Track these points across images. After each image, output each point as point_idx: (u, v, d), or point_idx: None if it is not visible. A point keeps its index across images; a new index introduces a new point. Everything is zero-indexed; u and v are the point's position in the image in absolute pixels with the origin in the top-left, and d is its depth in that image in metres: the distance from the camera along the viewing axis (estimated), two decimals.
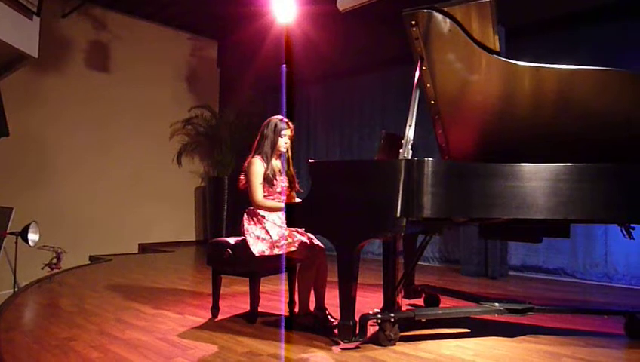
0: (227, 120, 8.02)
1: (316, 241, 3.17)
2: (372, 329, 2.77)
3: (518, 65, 2.76)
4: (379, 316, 2.73)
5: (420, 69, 2.91)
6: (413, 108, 2.80)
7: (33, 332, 3.05)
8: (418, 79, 2.89)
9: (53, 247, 4.79)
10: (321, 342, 2.76)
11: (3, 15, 4.96)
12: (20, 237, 4.80)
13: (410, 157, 2.64)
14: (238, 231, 3.30)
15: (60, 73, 7.02)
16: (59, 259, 4.74)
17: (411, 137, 2.72)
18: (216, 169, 8.10)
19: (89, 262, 6.58)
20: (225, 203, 7.75)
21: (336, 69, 6.86)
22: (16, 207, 4.84)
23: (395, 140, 2.95)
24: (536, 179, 2.58)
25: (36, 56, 5.55)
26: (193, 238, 8.44)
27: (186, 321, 3.26)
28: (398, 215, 2.52)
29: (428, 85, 2.97)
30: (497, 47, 2.77)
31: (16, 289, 4.67)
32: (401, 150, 2.68)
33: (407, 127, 2.73)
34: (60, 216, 6.53)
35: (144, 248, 7.66)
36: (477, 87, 2.93)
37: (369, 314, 2.73)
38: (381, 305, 3.09)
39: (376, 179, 2.63)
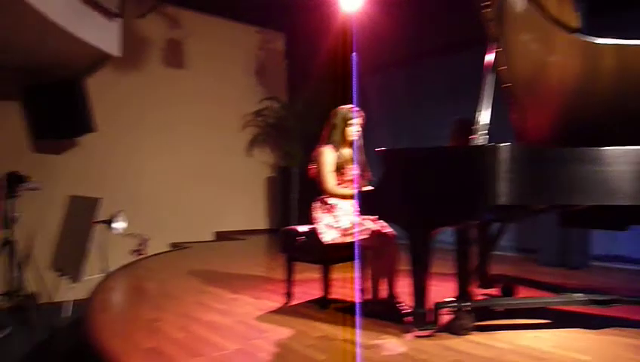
0: (295, 110, 8.14)
1: (388, 229, 3.17)
2: (446, 318, 2.74)
3: (601, 43, 2.59)
4: (453, 304, 2.70)
5: (495, 51, 2.81)
6: (487, 92, 2.71)
7: (123, 313, 3.31)
8: (492, 62, 2.80)
9: (139, 234, 5.12)
10: (393, 329, 2.77)
11: (89, 18, 5.31)
12: (108, 226, 5.17)
13: (484, 143, 2.57)
14: (308, 219, 3.37)
15: (138, 71, 7.42)
16: (144, 245, 5.07)
17: (485, 122, 2.65)
18: (286, 159, 8.26)
19: (170, 249, 6.98)
20: (295, 192, 7.90)
21: (405, 55, 6.74)
22: (104, 197, 5.20)
23: (468, 126, 2.87)
24: (622, 163, 2.43)
25: (118, 55, 5.91)
26: (265, 227, 8.68)
27: (261, 305, 3.38)
28: (473, 202, 2.47)
29: (503, 68, 2.86)
30: (577, 25, 2.61)
31: (106, 274, 5.05)
32: (474, 136, 2.61)
33: (480, 112, 2.65)
34: (142, 206, 6.94)
35: (219, 236, 7.99)
36: (555, 68, 2.78)
37: (443, 302, 2.70)
38: (454, 294, 3.04)
39: (448, 165, 2.58)
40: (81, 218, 5.34)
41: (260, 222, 8.64)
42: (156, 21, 7.56)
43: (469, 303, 2.69)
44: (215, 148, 8.05)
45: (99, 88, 6.73)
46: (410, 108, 6.94)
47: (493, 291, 3.52)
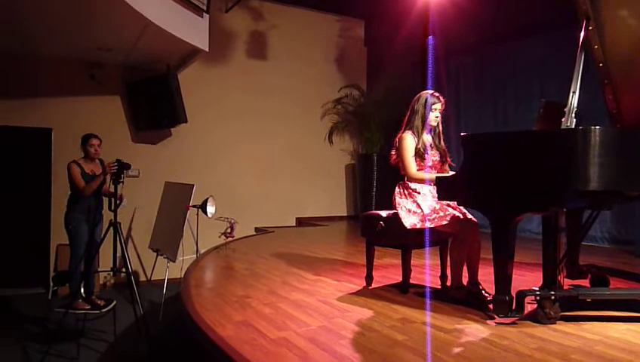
0: (375, 98, 8.15)
1: (469, 216, 3.14)
2: (530, 307, 2.68)
3: None
4: (538, 293, 2.64)
5: (586, 30, 2.67)
6: (578, 73, 2.60)
7: (216, 289, 3.56)
8: (583, 41, 2.66)
9: (227, 218, 5.44)
10: (474, 316, 2.76)
11: (179, 15, 5.67)
12: (200, 210, 5.53)
13: (573, 126, 2.47)
14: (388, 206, 3.42)
15: (225, 63, 7.80)
16: (232, 228, 5.38)
17: (575, 105, 2.54)
18: (365, 146, 8.31)
19: (255, 233, 7.33)
20: (374, 179, 7.94)
21: (488, 36, 6.50)
22: (196, 183, 5.57)
23: (557, 109, 2.76)
24: None
25: (207, 50, 6.26)
26: (344, 213, 8.82)
27: (342, 287, 3.50)
28: (560, 187, 2.39)
29: (595, 47, 2.71)
30: None
31: (198, 254, 5.43)
32: (563, 119, 2.52)
33: (571, 94, 2.55)
34: (230, 192, 7.33)
35: (300, 222, 8.24)
36: None
37: (526, 290, 2.65)
38: (540, 283, 2.96)
39: (535, 150, 2.51)
40: (176, 202, 5.77)
41: (340, 208, 8.78)
42: (240, 15, 7.89)
43: (553, 292, 2.62)
44: (296, 137, 8.28)
45: (189, 82, 7.17)
46: (495, 92, 6.69)
47: (582, 282, 3.38)
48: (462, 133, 2.82)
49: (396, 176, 3.39)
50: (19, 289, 6.28)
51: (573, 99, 2.55)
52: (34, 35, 5.55)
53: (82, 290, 4.65)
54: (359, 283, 3.59)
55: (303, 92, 8.36)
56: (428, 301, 3.10)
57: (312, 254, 5.01)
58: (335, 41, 8.76)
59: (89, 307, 4.59)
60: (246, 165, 7.87)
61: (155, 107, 6.87)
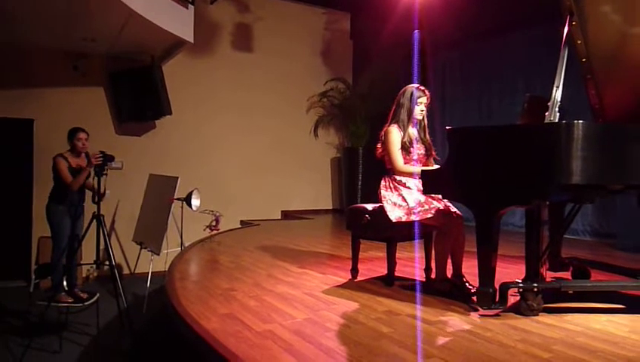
0: (360, 91, 8.15)
1: (453, 209, 3.17)
2: (513, 299, 2.72)
3: None
4: (521, 285, 2.68)
5: (569, 25, 2.70)
6: (561, 68, 2.62)
7: (201, 282, 3.55)
8: (567, 36, 2.69)
9: (212, 211, 5.41)
10: (458, 308, 2.79)
11: (164, 6, 5.59)
12: (184, 203, 5.49)
13: (557, 121, 2.50)
14: (373, 199, 3.43)
15: (210, 56, 7.72)
16: (217, 221, 5.36)
17: (559, 99, 2.57)
18: (351, 140, 8.32)
19: (240, 226, 7.31)
20: (359, 173, 7.96)
21: (473, 31, 6.53)
22: (180, 176, 5.52)
23: (540, 103, 2.79)
24: None
25: (192, 41, 6.18)
26: (330, 207, 8.84)
27: (328, 280, 3.51)
28: (543, 181, 2.42)
29: (579, 42, 2.75)
30: None
31: (182, 247, 5.39)
32: (547, 113, 2.55)
33: (554, 89, 2.58)
34: (215, 185, 7.29)
35: (286, 215, 8.23)
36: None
37: (509, 282, 2.69)
38: (522, 276, 3.00)
39: (519, 144, 2.54)
40: (160, 195, 5.72)
41: (326, 202, 8.80)
42: (226, 6, 7.81)
43: (536, 284, 2.65)
44: (282, 130, 8.25)
45: (173, 73, 7.09)
46: (479, 86, 6.74)
47: (564, 274, 3.43)
48: (447, 127, 2.83)
49: (382, 170, 3.40)
50: (0, 282, 6.17)
51: (557, 94, 2.58)
52: (16, 24, 5.43)
53: (65, 283, 4.60)
54: (344, 276, 3.60)
55: (288, 85, 8.33)
56: (413, 293, 3.13)
57: (297, 247, 5.02)
58: (321, 34, 8.73)
59: (72, 300, 4.54)
60: (232, 158, 7.82)
61: (139, 98, 6.78)
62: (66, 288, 4.65)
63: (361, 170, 7.93)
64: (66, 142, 4.70)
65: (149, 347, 4.19)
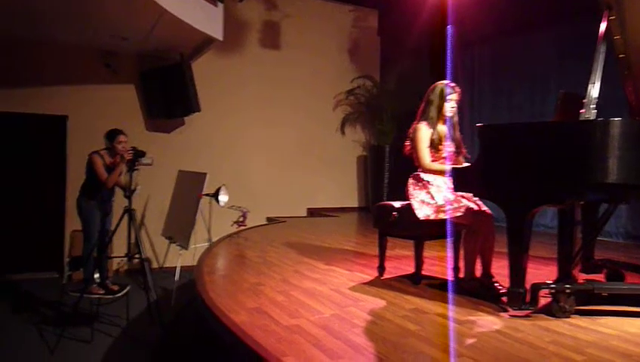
0: (388, 89, 8.11)
1: (484, 207, 3.12)
2: (545, 301, 2.66)
3: None
4: (552, 286, 2.62)
5: (607, 20, 2.62)
6: (598, 64, 2.55)
7: (229, 276, 3.59)
8: (605, 31, 2.62)
9: (239, 207, 5.46)
10: (487, 308, 2.75)
11: (195, 5, 5.66)
12: (212, 198, 5.56)
13: (593, 118, 2.44)
14: (399, 198, 3.41)
15: (238, 53, 7.79)
16: (244, 217, 5.41)
17: (595, 96, 2.50)
18: (378, 138, 8.28)
19: (266, 222, 7.36)
20: (386, 171, 7.92)
21: (503, 26, 6.41)
22: (209, 172, 5.59)
23: (575, 100, 2.72)
24: None
25: (221, 39, 6.25)
26: (355, 205, 8.82)
27: (354, 277, 3.50)
28: (578, 180, 2.36)
29: (617, 37, 2.67)
30: None
31: (210, 242, 5.46)
32: (582, 110, 2.48)
33: (590, 85, 2.51)
34: (242, 181, 7.36)
35: (312, 212, 8.25)
36: None
37: (541, 283, 2.63)
38: (554, 278, 2.94)
39: (553, 141, 2.48)
40: (189, 191, 5.81)
41: (352, 200, 8.78)
42: (254, 4, 7.86)
43: (568, 285, 2.59)
44: (309, 128, 8.27)
45: (202, 71, 7.18)
46: (511, 83, 6.62)
47: (597, 277, 3.34)
48: (478, 124, 2.79)
49: (408, 168, 3.37)
50: (34, 274, 6.38)
51: (593, 91, 2.51)
52: (50, 22, 5.59)
53: (96, 275, 4.72)
54: (371, 274, 3.59)
55: (315, 82, 8.34)
56: (440, 292, 3.09)
57: (323, 244, 5.02)
58: (348, 31, 8.71)
59: (103, 292, 4.65)
60: (258, 155, 7.89)
61: (169, 96, 6.89)
62: (98, 280, 4.77)
63: (388, 168, 7.88)
64: (101, 139, 4.80)
65: (177, 339, 4.26)
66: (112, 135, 4.70)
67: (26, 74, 6.39)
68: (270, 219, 7.60)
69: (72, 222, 6.21)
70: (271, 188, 7.90)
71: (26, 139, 6.61)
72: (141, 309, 4.80)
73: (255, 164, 7.83)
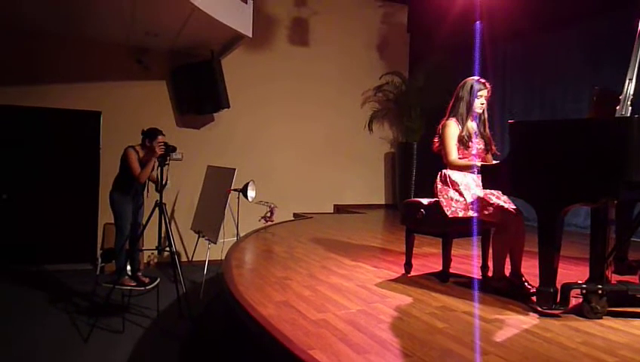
0: (417, 85, 8.04)
1: (513, 206, 3.07)
2: (576, 301, 2.61)
3: None
4: (584, 286, 2.57)
5: None
6: (636, 59, 2.48)
7: (257, 270, 3.64)
8: None
9: (267, 203, 5.52)
10: (516, 307, 2.71)
11: (225, 1, 5.73)
12: (241, 194, 5.63)
13: (629, 115, 2.37)
14: (427, 195, 3.39)
15: (267, 50, 7.85)
16: (272, 213, 5.46)
17: (631, 92, 2.43)
18: (406, 135, 8.23)
19: (293, 218, 7.41)
20: (414, 168, 7.87)
21: (537, 21, 6.26)
22: (237, 168, 5.66)
23: (611, 97, 2.65)
24: None
25: (250, 36, 6.31)
26: (382, 202, 8.79)
27: (381, 274, 3.50)
28: (613, 178, 2.30)
29: None
30: None
31: (238, 237, 5.53)
32: (618, 107, 2.42)
33: (627, 81, 2.44)
34: (270, 177, 7.44)
35: (338, 209, 8.27)
36: None
37: (573, 283, 2.58)
38: (585, 278, 2.88)
39: (588, 138, 2.42)
40: (218, 186, 5.89)
41: (378, 197, 8.76)
42: (283, 1, 7.90)
43: (601, 286, 2.54)
44: (336, 124, 8.28)
45: (232, 67, 7.26)
46: (542, 79, 6.47)
47: (631, 278, 3.25)
48: (509, 121, 2.75)
49: (436, 165, 3.35)
50: (68, 265, 6.59)
51: (630, 87, 2.44)
52: (84, 18, 5.75)
53: (128, 268, 4.84)
54: (398, 271, 3.59)
55: (343, 79, 8.34)
56: (468, 290, 3.07)
57: (350, 240, 5.03)
58: (377, 28, 8.67)
59: (134, 284, 4.78)
60: (286, 151, 7.94)
61: (199, 92, 7.00)
62: (129, 272, 4.90)
63: (416, 165, 7.83)
64: (132, 134, 4.93)
65: (206, 332, 4.34)
66: (152, 134, 4.77)
67: (62, 71, 6.59)
68: (297, 215, 7.65)
69: (105, 216, 6.39)
70: (298, 185, 7.95)
71: (62, 134, 6.82)
72: (170, 301, 4.91)
73: (283, 160, 7.88)
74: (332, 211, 8.29)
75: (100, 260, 6.19)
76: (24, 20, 5.88)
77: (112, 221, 5.04)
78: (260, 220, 5.64)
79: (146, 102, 7.00)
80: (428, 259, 4.00)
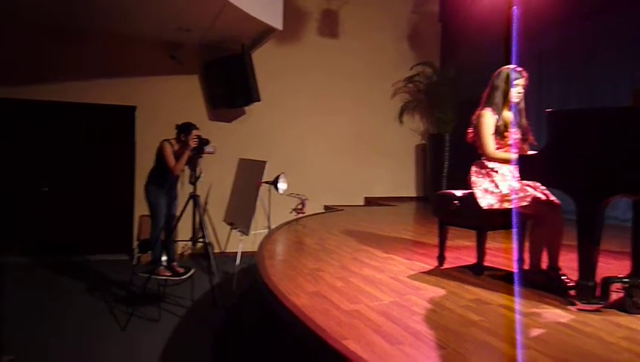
0: (449, 75, 7.90)
1: (552, 197, 3.00)
2: (616, 296, 2.54)
3: None
4: (626, 280, 2.49)
5: None
6: None
7: (289, 261, 3.67)
8: None
9: (299, 195, 5.54)
10: (554, 301, 2.65)
11: None
12: (272, 186, 5.67)
13: None
14: (458, 187, 3.33)
15: (296, 42, 7.85)
16: (303, 205, 5.48)
17: None
18: (437, 126, 8.11)
19: (323, 211, 7.42)
20: (445, 160, 7.76)
21: (574, 9, 6.06)
22: (268, 160, 5.69)
23: None
24: None
25: (281, 28, 6.32)
26: (414, 194, 8.71)
27: (413, 266, 3.48)
28: None
29: None
30: None
31: (269, 229, 5.58)
32: None
33: None
34: (300, 169, 7.46)
35: (369, 201, 8.24)
36: None
37: (614, 277, 2.51)
38: (626, 272, 2.79)
39: (630, 127, 2.34)
40: (249, 178, 5.95)
41: (409, 189, 8.68)
42: None
43: None
44: (366, 116, 8.24)
45: (261, 61, 7.29)
46: (580, 68, 6.27)
47: None
48: (547, 110, 2.67)
49: (469, 157, 3.29)
50: (105, 255, 6.79)
51: None
52: (122, 16, 5.87)
53: (163, 258, 4.95)
54: (430, 263, 3.55)
55: (373, 70, 8.27)
56: (503, 284, 3.02)
57: (381, 233, 5.01)
58: (408, 18, 8.55)
59: (170, 274, 4.88)
60: (316, 143, 7.94)
61: (230, 86, 7.07)
62: (165, 263, 5.01)
63: (447, 157, 7.72)
64: (166, 128, 5.01)
65: (239, 322, 4.41)
66: (187, 128, 4.84)
67: (100, 67, 6.75)
68: (327, 208, 7.66)
69: (140, 207, 6.54)
70: (328, 177, 7.95)
71: (99, 128, 7.01)
72: (204, 291, 5.00)
73: (313, 153, 7.90)
74: (362, 204, 8.26)
75: (136, 251, 6.34)
76: (68, 19, 6.06)
77: (147, 213, 5.16)
78: (291, 212, 5.67)
79: (179, 96, 7.11)
80: (461, 252, 3.95)
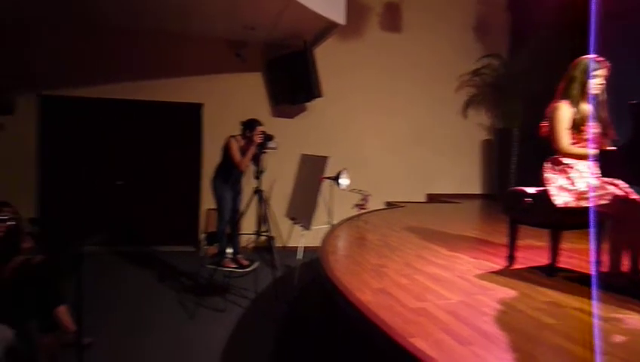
0: (517, 67, 7.56)
1: (633, 195, 2.79)
2: None
3: None
4: None
5: None
6: None
7: (352, 257, 3.66)
8: None
9: (361, 191, 5.52)
10: (637, 306, 2.47)
11: None
12: (334, 182, 5.67)
13: None
14: (527, 184, 3.18)
15: (358, 37, 7.80)
16: (366, 201, 5.44)
17: None
18: (505, 120, 7.80)
19: (385, 207, 7.35)
20: (513, 156, 7.45)
21: None
22: (330, 156, 5.70)
23: None
24: None
25: (344, 23, 6.30)
26: (477, 191, 8.43)
27: (481, 265, 3.37)
28: None
29: None
30: None
31: (331, 224, 5.59)
32: None
33: None
34: (362, 165, 7.41)
35: (431, 198, 8.06)
36: None
37: None
38: None
39: None
40: (311, 174, 5.98)
41: (474, 186, 8.42)
42: None
43: None
44: (430, 110, 8.06)
45: (323, 57, 7.31)
46: None
47: None
48: (630, 101, 2.49)
49: (539, 153, 3.13)
50: (174, 247, 7.09)
51: None
52: (190, 16, 6.09)
53: (229, 250, 5.10)
54: (499, 263, 3.42)
55: (437, 64, 8.07)
56: (579, 286, 2.85)
57: (445, 230, 4.89)
58: (474, 8, 8.26)
59: (235, 266, 5.02)
60: (377, 139, 7.88)
61: (293, 83, 7.14)
62: (230, 255, 5.16)
63: (516, 152, 7.40)
64: (232, 124, 5.15)
65: (301, 316, 4.46)
66: (251, 125, 4.98)
67: (169, 66, 7.04)
68: (389, 204, 7.57)
69: (207, 201, 6.76)
70: (390, 173, 7.86)
71: (169, 125, 7.31)
72: (267, 284, 5.10)
73: (373, 148, 7.83)
74: (424, 200, 8.10)
75: (202, 243, 6.57)
76: (144, 20, 6.36)
77: (214, 206, 5.32)
78: (353, 208, 5.65)
79: (243, 93, 7.28)
80: (532, 252, 3.77)
